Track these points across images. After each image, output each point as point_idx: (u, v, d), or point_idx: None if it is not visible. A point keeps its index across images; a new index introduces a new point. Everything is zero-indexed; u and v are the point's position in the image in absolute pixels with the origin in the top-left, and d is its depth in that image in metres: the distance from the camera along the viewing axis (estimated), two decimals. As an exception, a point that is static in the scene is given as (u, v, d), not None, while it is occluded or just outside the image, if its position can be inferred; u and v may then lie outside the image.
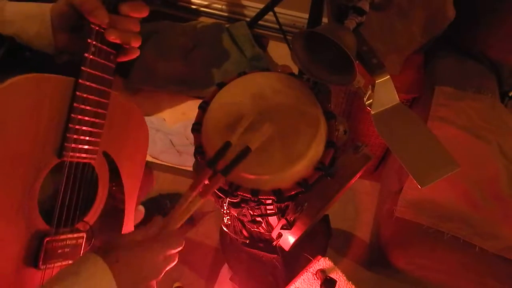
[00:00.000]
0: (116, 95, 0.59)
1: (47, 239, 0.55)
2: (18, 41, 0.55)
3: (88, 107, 0.54)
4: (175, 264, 0.55)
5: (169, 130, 1.60)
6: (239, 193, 0.61)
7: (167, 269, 0.54)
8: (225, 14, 1.98)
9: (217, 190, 0.64)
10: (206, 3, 1.98)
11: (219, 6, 1.97)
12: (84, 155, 0.56)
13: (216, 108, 0.67)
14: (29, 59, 0.57)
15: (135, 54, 0.59)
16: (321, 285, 0.80)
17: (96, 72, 0.53)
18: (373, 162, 1.43)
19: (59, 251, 0.57)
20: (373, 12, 1.09)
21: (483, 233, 0.94)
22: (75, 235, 0.59)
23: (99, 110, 0.55)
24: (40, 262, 0.54)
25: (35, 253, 0.54)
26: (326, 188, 0.65)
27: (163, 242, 0.52)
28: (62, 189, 0.55)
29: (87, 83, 0.53)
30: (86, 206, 0.62)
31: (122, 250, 0.49)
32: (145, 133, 0.72)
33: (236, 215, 0.71)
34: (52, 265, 0.56)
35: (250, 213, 0.70)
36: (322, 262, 0.84)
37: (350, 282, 0.82)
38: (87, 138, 0.55)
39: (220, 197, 0.66)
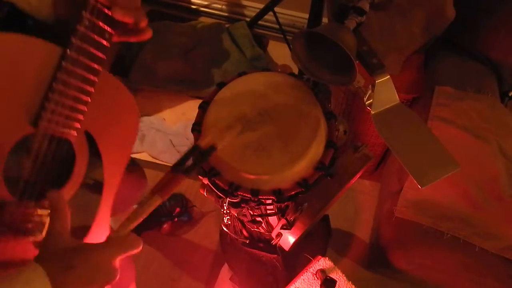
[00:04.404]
0: (109, 75, 0.58)
1: (7, 208, 0.52)
2: (18, 8, 0.54)
3: (72, 80, 0.51)
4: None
5: (169, 130, 1.60)
6: (239, 193, 0.61)
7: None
8: (225, 14, 1.98)
9: (217, 190, 0.64)
10: (206, 3, 1.98)
11: (219, 6, 1.97)
12: (61, 129, 0.54)
13: (216, 108, 0.67)
14: (31, 27, 0.56)
15: (148, 33, 0.57)
16: (321, 285, 0.80)
17: (87, 47, 0.51)
18: (373, 162, 1.43)
19: (21, 224, 0.54)
20: (373, 12, 1.09)
21: (483, 233, 0.94)
22: (40, 212, 0.56)
23: (85, 86, 0.53)
24: None
25: None
26: (326, 188, 0.65)
27: (118, 245, 0.50)
28: (32, 159, 0.53)
29: (75, 56, 0.51)
30: (58, 183, 0.59)
31: (72, 254, 0.47)
32: (135, 121, 0.70)
33: (236, 215, 0.71)
34: (11, 237, 0.54)
35: (250, 213, 0.70)
36: (322, 262, 0.84)
37: (350, 282, 0.82)
38: (67, 112, 0.53)
39: (220, 197, 0.66)
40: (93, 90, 0.55)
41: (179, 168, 0.55)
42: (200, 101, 0.70)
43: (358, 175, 0.70)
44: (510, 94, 1.32)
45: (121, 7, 0.51)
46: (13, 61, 0.48)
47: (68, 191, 0.61)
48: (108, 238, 0.51)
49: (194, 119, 0.68)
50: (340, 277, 0.82)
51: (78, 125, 0.55)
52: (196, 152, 0.57)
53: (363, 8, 0.64)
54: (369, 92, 0.66)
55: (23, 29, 0.55)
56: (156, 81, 1.67)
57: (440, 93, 1.13)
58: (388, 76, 0.64)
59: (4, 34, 0.46)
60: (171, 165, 0.54)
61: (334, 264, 0.84)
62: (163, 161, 1.50)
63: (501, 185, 0.99)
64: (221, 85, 0.71)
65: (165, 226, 1.36)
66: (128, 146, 0.71)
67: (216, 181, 0.63)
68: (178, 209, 1.38)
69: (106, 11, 0.51)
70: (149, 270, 1.29)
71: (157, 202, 0.52)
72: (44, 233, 0.56)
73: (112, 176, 0.67)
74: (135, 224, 0.52)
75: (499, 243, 0.93)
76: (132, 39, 0.57)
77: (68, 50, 0.50)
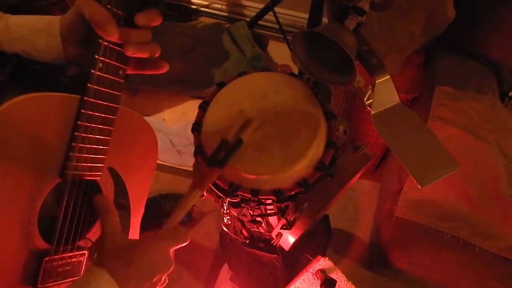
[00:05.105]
0: (123, 109, 0.57)
1: (46, 258, 0.53)
2: (24, 57, 0.53)
3: (93, 125, 0.52)
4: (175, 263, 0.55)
5: (169, 130, 1.60)
6: (239, 193, 0.61)
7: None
8: (225, 14, 1.98)
9: (217, 190, 0.64)
10: (206, 3, 1.98)
11: (219, 6, 1.97)
12: (87, 173, 0.54)
13: (216, 108, 0.67)
14: (39, 72, 0.55)
15: (164, 66, 0.56)
16: (321, 285, 0.80)
17: (104, 89, 0.51)
18: (373, 162, 1.43)
19: (59, 269, 0.56)
20: (373, 12, 1.09)
21: (483, 233, 0.94)
22: (77, 253, 0.58)
23: (105, 127, 0.53)
24: (39, 282, 0.53)
25: (34, 273, 0.53)
26: (326, 188, 0.65)
27: (169, 237, 0.53)
28: (63, 208, 0.54)
29: (93, 100, 0.50)
30: (89, 223, 0.60)
31: (129, 251, 0.49)
32: (154, 147, 0.70)
33: (236, 215, 0.71)
34: (51, 284, 0.55)
35: (250, 213, 0.70)
36: (322, 262, 0.84)
37: (350, 282, 0.82)
38: (91, 155, 0.53)
39: (220, 197, 0.66)
40: (112, 129, 0.55)
41: (213, 162, 0.57)
42: (200, 101, 0.70)
43: (358, 175, 0.70)
44: (510, 94, 1.32)
45: (133, 43, 0.50)
46: (35, 120, 0.48)
47: (97, 231, 0.62)
48: (159, 232, 0.53)
49: (194, 119, 0.68)
50: (340, 277, 0.82)
51: (102, 165, 0.56)
52: (226, 146, 0.59)
53: (363, 8, 0.64)
54: (369, 92, 0.66)
55: (31, 75, 0.55)
56: (156, 81, 1.67)
57: (440, 93, 1.13)
58: (388, 76, 0.64)
59: (22, 97, 0.46)
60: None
61: (334, 264, 0.84)
62: (163, 161, 1.50)
63: (501, 185, 0.99)
64: (221, 85, 0.71)
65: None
66: (150, 170, 0.71)
67: (216, 181, 0.63)
68: (177, 209, 1.38)
69: (119, 49, 0.51)
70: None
71: (197, 195, 0.56)
72: (82, 272, 0.59)
73: (138, 200, 0.69)
74: (181, 217, 0.55)
75: (499, 243, 0.93)
76: (148, 72, 0.57)
77: (85, 97, 0.50)
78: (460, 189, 0.97)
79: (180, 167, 1.48)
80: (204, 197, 0.71)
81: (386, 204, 1.08)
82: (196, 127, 0.67)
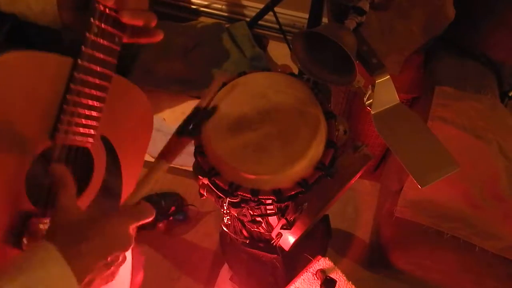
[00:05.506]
0: (120, 78, 0.57)
1: (33, 220, 0.53)
2: (21, 19, 0.53)
3: (86, 89, 0.52)
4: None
5: (169, 130, 1.60)
6: (239, 193, 0.61)
7: None
8: (225, 14, 1.98)
9: (217, 190, 0.64)
10: (206, 3, 1.98)
11: (219, 6, 1.97)
12: (78, 138, 0.54)
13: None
14: (35, 36, 0.55)
15: (159, 35, 0.56)
16: (321, 285, 0.80)
17: (98, 54, 0.51)
18: (373, 162, 1.43)
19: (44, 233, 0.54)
20: (373, 12, 1.09)
21: (483, 233, 0.94)
22: None
23: (99, 93, 0.53)
24: (24, 244, 0.52)
25: (19, 233, 0.52)
26: (326, 188, 0.65)
27: (130, 213, 0.50)
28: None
29: (87, 65, 0.50)
30: (78, 190, 0.59)
31: (85, 226, 0.47)
32: (149, 120, 0.70)
33: (236, 215, 0.71)
34: None
35: (250, 213, 0.70)
36: (322, 262, 0.85)
37: (350, 282, 0.82)
38: (83, 121, 0.53)
39: (220, 197, 0.66)
40: (106, 96, 0.55)
41: (184, 131, 0.55)
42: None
43: (358, 175, 0.70)
44: (510, 94, 1.32)
45: (129, 10, 0.50)
46: (27, 78, 0.48)
47: (88, 196, 0.62)
48: (120, 208, 0.51)
49: (194, 119, 0.68)
50: (340, 277, 0.82)
51: (94, 132, 0.56)
52: (199, 114, 0.57)
53: (363, 8, 0.64)
54: (369, 92, 0.66)
55: (27, 38, 0.55)
56: (156, 81, 1.67)
57: (440, 93, 1.12)
58: (388, 76, 0.64)
59: (15, 52, 0.46)
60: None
61: (334, 264, 0.84)
62: (163, 161, 1.50)
63: (501, 185, 0.99)
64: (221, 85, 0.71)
65: (160, 225, 1.36)
66: (143, 145, 0.71)
67: (216, 181, 0.63)
68: (173, 208, 1.38)
69: (115, 15, 0.50)
70: (149, 270, 1.29)
71: (163, 166, 0.53)
72: None
73: (130, 177, 0.69)
74: (144, 191, 0.52)
75: (499, 243, 0.93)
76: (143, 41, 0.57)
77: (79, 60, 0.50)
78: (460, 189, 0.97)
79: (180, 167, 1.48)
80: (204, 197, 0.71)
81: (386, 204, 1.08)
82: (196, 127, 0.67)
